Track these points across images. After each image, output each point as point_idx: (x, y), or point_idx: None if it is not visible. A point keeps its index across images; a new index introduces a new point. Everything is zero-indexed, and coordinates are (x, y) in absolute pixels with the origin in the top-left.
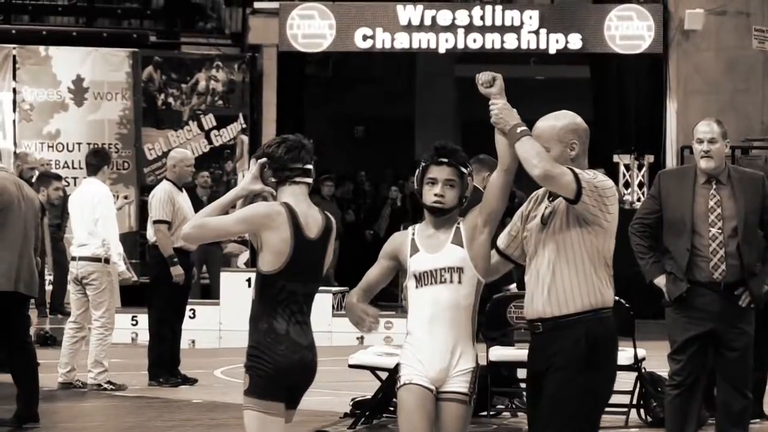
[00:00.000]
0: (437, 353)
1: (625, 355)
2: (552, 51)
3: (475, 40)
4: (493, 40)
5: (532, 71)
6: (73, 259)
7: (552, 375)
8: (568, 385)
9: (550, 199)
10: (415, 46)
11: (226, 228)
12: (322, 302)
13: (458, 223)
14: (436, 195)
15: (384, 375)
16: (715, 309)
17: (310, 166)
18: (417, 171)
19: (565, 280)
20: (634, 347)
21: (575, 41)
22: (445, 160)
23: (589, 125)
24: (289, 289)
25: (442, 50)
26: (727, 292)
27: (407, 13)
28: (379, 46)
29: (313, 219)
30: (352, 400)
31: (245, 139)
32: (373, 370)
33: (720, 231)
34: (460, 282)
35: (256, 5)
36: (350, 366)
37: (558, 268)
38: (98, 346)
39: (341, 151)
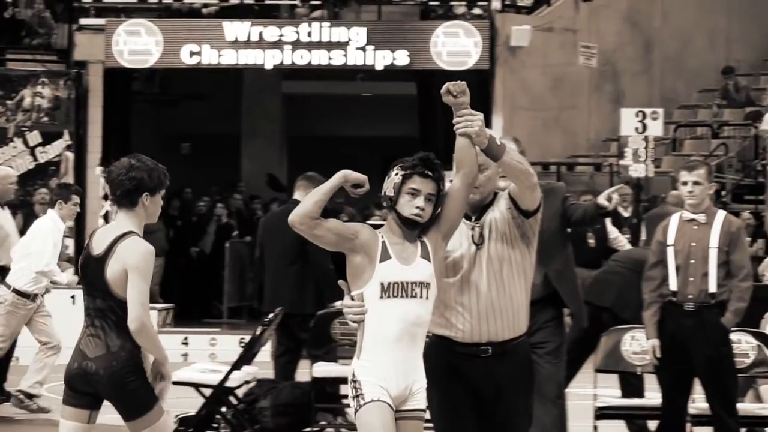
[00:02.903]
0: (401, 371)
1: None
2: (379, 67)
3: (302, 57)
4: (320, 57)
5: (359, 88)
6: None
7: (505, 401)
8: (523, 411)
9: (473, 219)
10: (242, 62)
11: None
12: None
13: (419, 236)
14: (417, 207)
15: (208, 391)
16: None
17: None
18: (394, 178)
19: (515, 301)
20: None
21: (402, 57)
22: (431, 173)
23: (415, 142)
24: (85, 303)
25: (269, 66)
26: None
27: (234, 30)
28: (205, 62)
29: (107, 238)
30: (177, 416)
31: (70, 155)
32: (196, 386)
33: None
34: (427, 297)
35: (82, 21)
36: (174, 383)
37: (509, 290)
38: None
39: (167, 168)
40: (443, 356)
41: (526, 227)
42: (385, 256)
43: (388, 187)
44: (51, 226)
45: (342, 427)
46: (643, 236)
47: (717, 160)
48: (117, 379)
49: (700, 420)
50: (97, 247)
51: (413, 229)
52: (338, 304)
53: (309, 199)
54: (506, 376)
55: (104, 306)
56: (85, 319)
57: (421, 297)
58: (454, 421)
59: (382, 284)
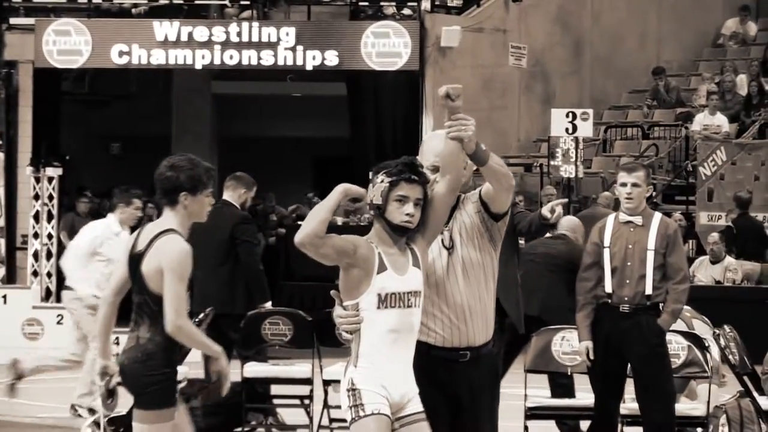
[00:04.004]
0: (399, 378)
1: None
2: (309, 67)
3: (231, 57)
4: (249, 57)
5: (289, 88)
6: None
7: (478, 406)
8: (490, 416)
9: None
10: (172, 62)
11: None
12: None
13: (407, 243)
14: (407, 214)
15: None
16: None
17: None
18: (380, 185)
19: (487, 306)
20: None
21: (332, 58)
22: (417, 178)
23: (346, 142)
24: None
25: (198, 66)
26: None
27: (163, 30)
28: (135, 62)
29: (149, 234)
30: (106, 416)
31: (1, 155)
32: None
33: None
34: (419, 306)
35: (12, 21)
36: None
37: (482, 294)
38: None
39: (97, 168)
40: (418, 361)
41: (494, 230)
42: (382, 268)
43: (374, 195)
44: (101, 230)
45: (273, 427)
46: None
47: (647, 161)
48: (136, 370)
49: (630, 420)
50: (141, 243)
51: (403, 235)
52: (268, 304)
53: (313, 218)
54: (480, 380)
55: (141, 300)
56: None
57: (415, 306)
58: (430, 426)
59: (379, 295)
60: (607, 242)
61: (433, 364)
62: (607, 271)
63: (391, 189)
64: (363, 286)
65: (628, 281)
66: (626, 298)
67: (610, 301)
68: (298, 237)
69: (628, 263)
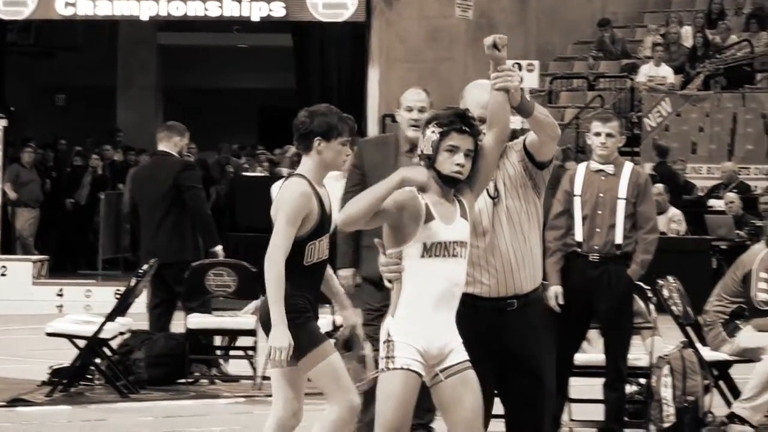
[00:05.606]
0: (440, 329)
1: (324, 322)
2: (255, 19)
3: (177, 8)
4: (195, 8)
5: (235, 39)
6: None
7: (531, 351)
8: (548, 359)
9: None
10: (118, 13)
11: None
12: (23, 270)
13: (455, 195)
14: (458, 164)
15: (82, 343)
16: None
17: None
18: (430, 135)
19: (535, 252)
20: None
21: (278, 9)
22: (468, 129)
23: (292, 93)
24: None
25: (144, 17)
26: None
27: None
28: (81, 13)
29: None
30: (50, 367)
31: None
32: (70, 337)
33: None
34: (464, 257)
35: None
36: (48, 334)
37: (529, 242)
38: None
39: (42, 119)
40: (464, 314)
41: (538, 178)
42: (430, 218)
43: (425, 146)
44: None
45: (216, 378)
46: None
47: (593, 113)
48: (264, 322)
49: (578, 372)
50: None
51: (452, 186)
52: (218, 248)
53: (362, 203)
54: (531, 325)
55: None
56: None
57: (460, 256)
58: (487, 375)
59: (425, 244)
60: (578, 191)
61: (479, 316)
62: (577, 219)
63: (442, 139)
64: (409, 237)
65: (598, 230)
66: (596, 247)
67: (580, 249)
68: (342, 223)
69: (599, 212)
